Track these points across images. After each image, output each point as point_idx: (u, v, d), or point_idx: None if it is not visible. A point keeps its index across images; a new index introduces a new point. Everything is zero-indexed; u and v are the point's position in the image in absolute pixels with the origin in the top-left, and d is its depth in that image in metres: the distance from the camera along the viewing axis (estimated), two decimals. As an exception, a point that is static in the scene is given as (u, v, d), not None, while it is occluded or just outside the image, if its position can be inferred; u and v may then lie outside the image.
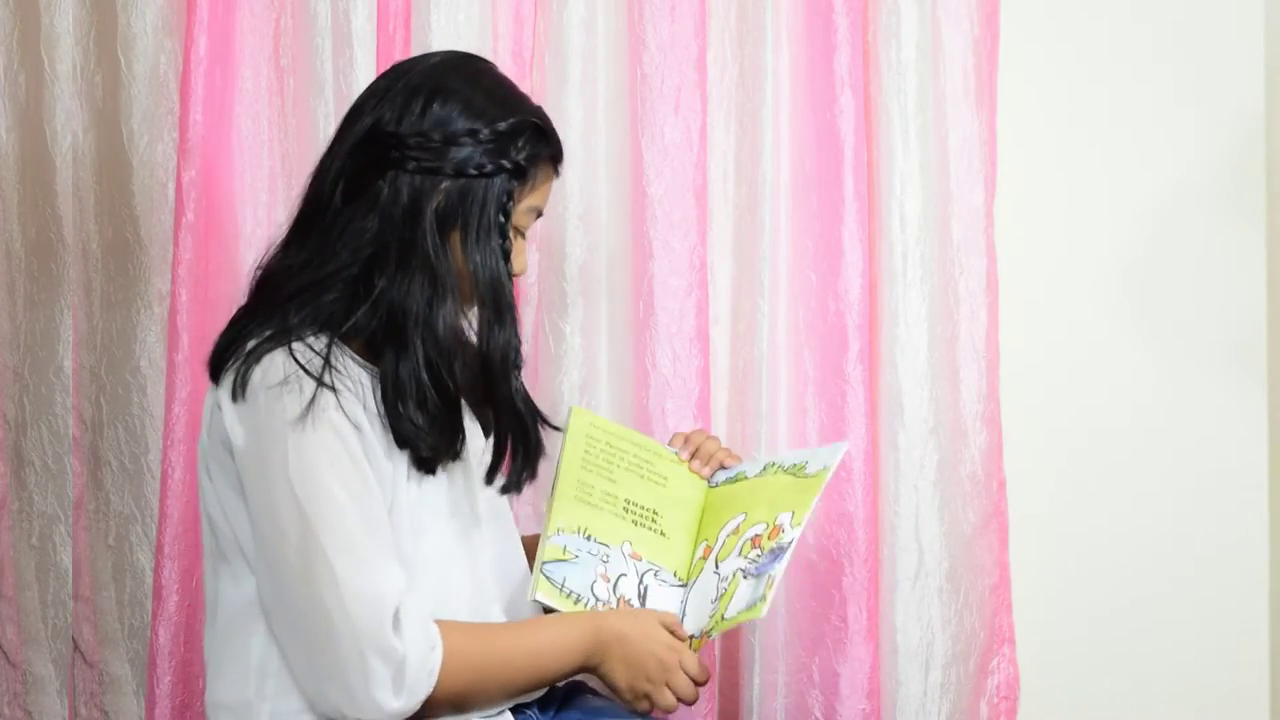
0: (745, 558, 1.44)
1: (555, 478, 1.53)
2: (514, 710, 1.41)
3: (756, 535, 1.45)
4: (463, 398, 1.38)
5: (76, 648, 1.95)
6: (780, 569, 1.39)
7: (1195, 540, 2.02)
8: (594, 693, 1.55)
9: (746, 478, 1.55)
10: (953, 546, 1.91)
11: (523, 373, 1.87)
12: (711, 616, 1.40)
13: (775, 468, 1.54)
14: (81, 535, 1.96)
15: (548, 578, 1.42)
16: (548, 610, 1.43)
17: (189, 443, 1.82)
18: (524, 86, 1.89)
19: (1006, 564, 1.95)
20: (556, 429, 1.53)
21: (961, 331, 1.91)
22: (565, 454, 1.55)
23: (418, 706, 1.28)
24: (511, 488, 1.44)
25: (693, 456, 1.59)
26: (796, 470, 1.52)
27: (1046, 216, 2.02)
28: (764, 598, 1.36)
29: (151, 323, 1.94)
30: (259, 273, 1.39)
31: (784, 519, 1.46)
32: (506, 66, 1.90)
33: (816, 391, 1.91)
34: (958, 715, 1.91)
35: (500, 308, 1.37)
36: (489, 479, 1.43)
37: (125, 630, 1.96)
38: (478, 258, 1.35)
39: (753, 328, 1.89)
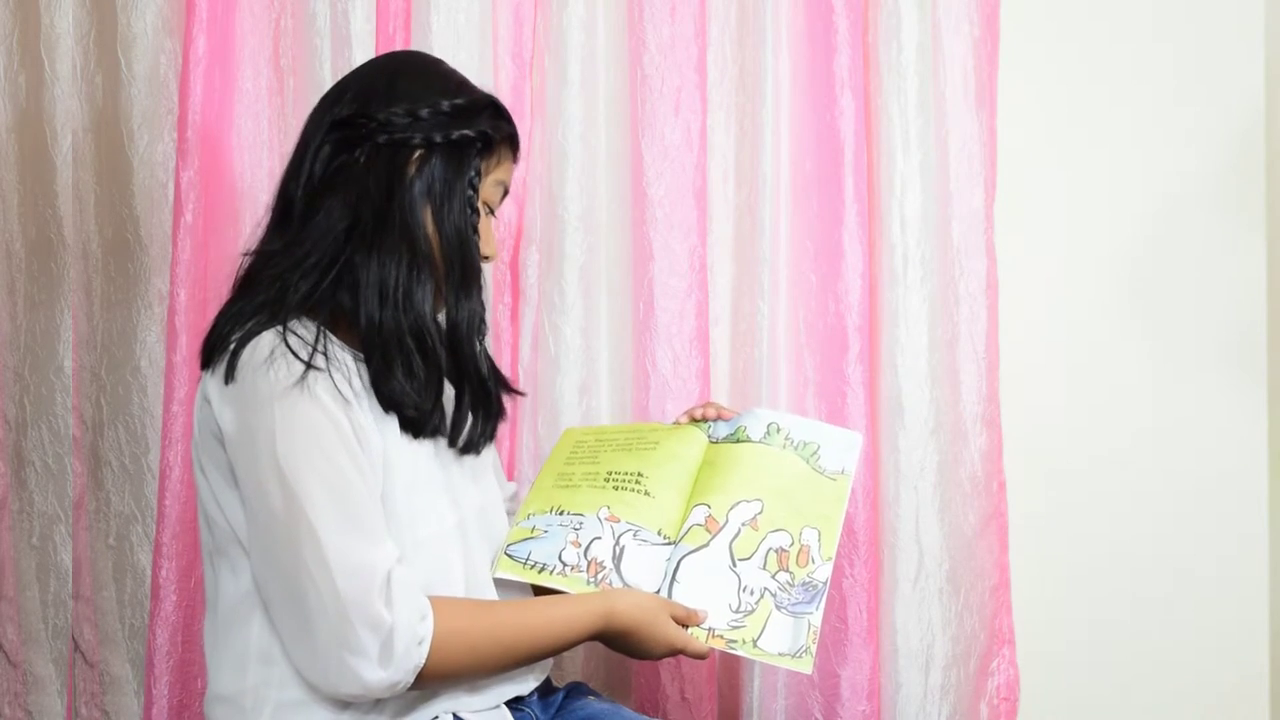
0: (773, 578, 1.43)
1: (534, 481, 1.54)
2: (513, 707, 1.42)
3: (782, 550, 1.45)
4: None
5: (77, 648, 1.95)
6: (820, 616, 1.41)
7: (1195, 540, 2.02)
8: (595, 693, 1.56)
9: (750, 440, 1.53)
10: (953, 548, 1.91)
11: (522, 372, 1.89)
12: (736, 629, 1.41)
13: (782, 437, 1.53)
14: (82, 535, 1.96)
15: (510, 556, 1.44)
16: (540, 591, 1.44)
17: (188, 442, 1.81)
18: (524, 86, 1.91)
19: (1007, 565, 1.95)
20: (520, 394, 1.59)
21: (961, 333, 1.91)
22: (548, 462, 1.56)
23: (409, 678, 1.28)
24: (470, 449, 1.45)
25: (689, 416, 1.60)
26: (808, 455, 1.52)
27: (1046, 217, 2.02)
28: (809, 650, 1.39)
29: (151, 323, 1.94)
30: (243, 264, 1.42)
31: (810, 539, 1.46)
32: (506, 67, 1.90)
33: (817, 393, 1.91)
34: (958, 717, 1.91)
35: (467, 275, 1.40)
36: (451, 440, 1.43)
37: (126, 630, 1.96)
38: (447, 226, 1.38)
39: (753, 329, 1.89)
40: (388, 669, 1.26)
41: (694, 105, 1.87)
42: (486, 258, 1.46)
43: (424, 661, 1.28)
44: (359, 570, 1.26)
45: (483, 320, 1.43)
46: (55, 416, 1.96)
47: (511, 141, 1.47)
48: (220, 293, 1.84)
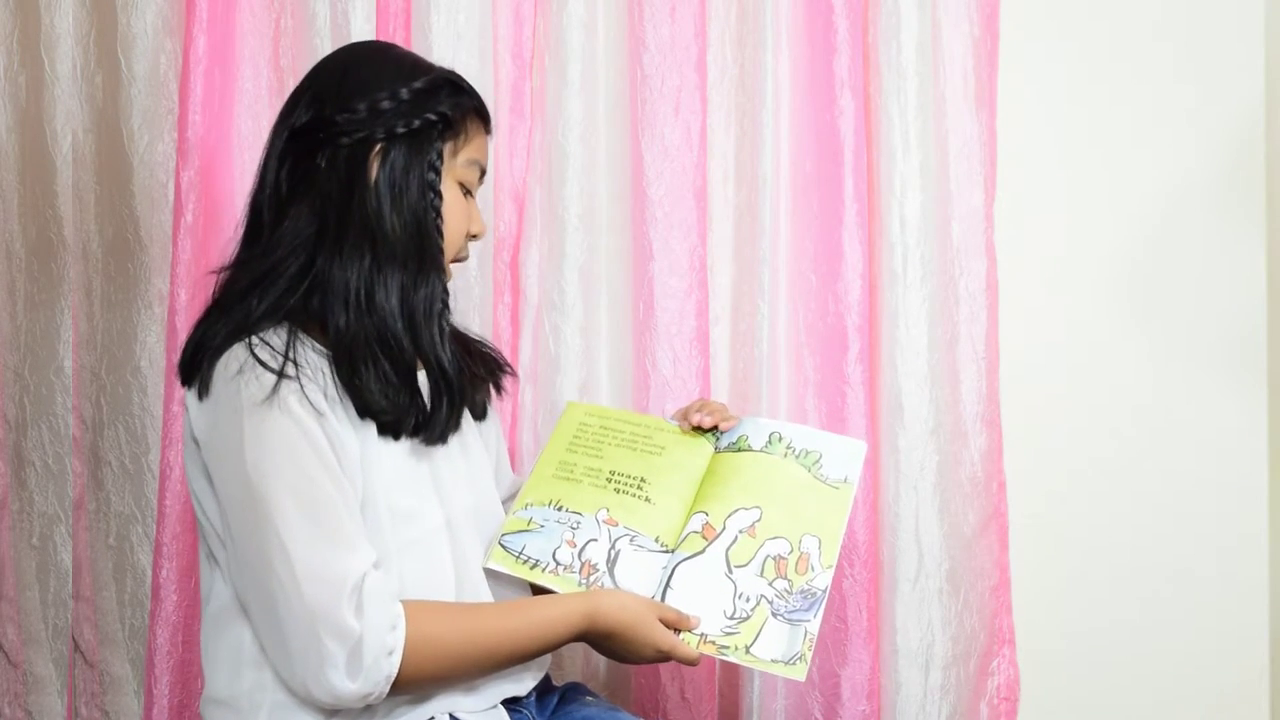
0: (771, 585, 1.42)
1: (534, 464, 1.53)
2: (509, 708, 1.41)
3: (780, 558, 1.44)
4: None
5: (77, 648, 1.96)
6: (818, 624, 1.40)
7: (1195, 540, 2.02)
8: (592, 694, 1.55)
9: (751, 448, 1.52)
10: (953, 548, 1.91)
11: (520, 370, 1.89)
12: (729, 635, 1.40)
13: (784, 446, 1.52)
14: (82, 535, 1.96)
15: (504, 547, 1.43)
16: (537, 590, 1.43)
17: (188, 443, 1.82)
18: (524, 87, 1.91)
19: (1006, 565, 1.95)
20: (512, 374, 1.58)
21: (961, 333, 1.91)
22: (550, 442, 1.55)
23: (381, 688, 1.27)
24: (436, 439, 1.41)
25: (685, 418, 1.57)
26: (810, 464, 1.51)
27: (1046, 217, 2.02)
28: (804, 658, 1.38)
29: (151, 323, 1.94)
30: (218, 280, 1.40)
31: (810, 546, 1.45)
32: (506, 67, 1.90)
33: (817, 393, 1.91)
34: (958, 717, 1.90)
35: (423, 260, 1.37)
36: (420, 432, 1.40)
37: (126, 630, 1.96)
38: (405, 212, 1.36)
39: (753, 329, 1.89)
40: (356, 680, 1.25)
41: (694, 105, 1.87)
42: (475, 236, 1.46)
43: (395, 671, 1.27)
44: (327, 580, 1.25)
45: (444, 304, 1.40)
46: (55, 416, 1.96)
47: (478, 114, 1.44)
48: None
